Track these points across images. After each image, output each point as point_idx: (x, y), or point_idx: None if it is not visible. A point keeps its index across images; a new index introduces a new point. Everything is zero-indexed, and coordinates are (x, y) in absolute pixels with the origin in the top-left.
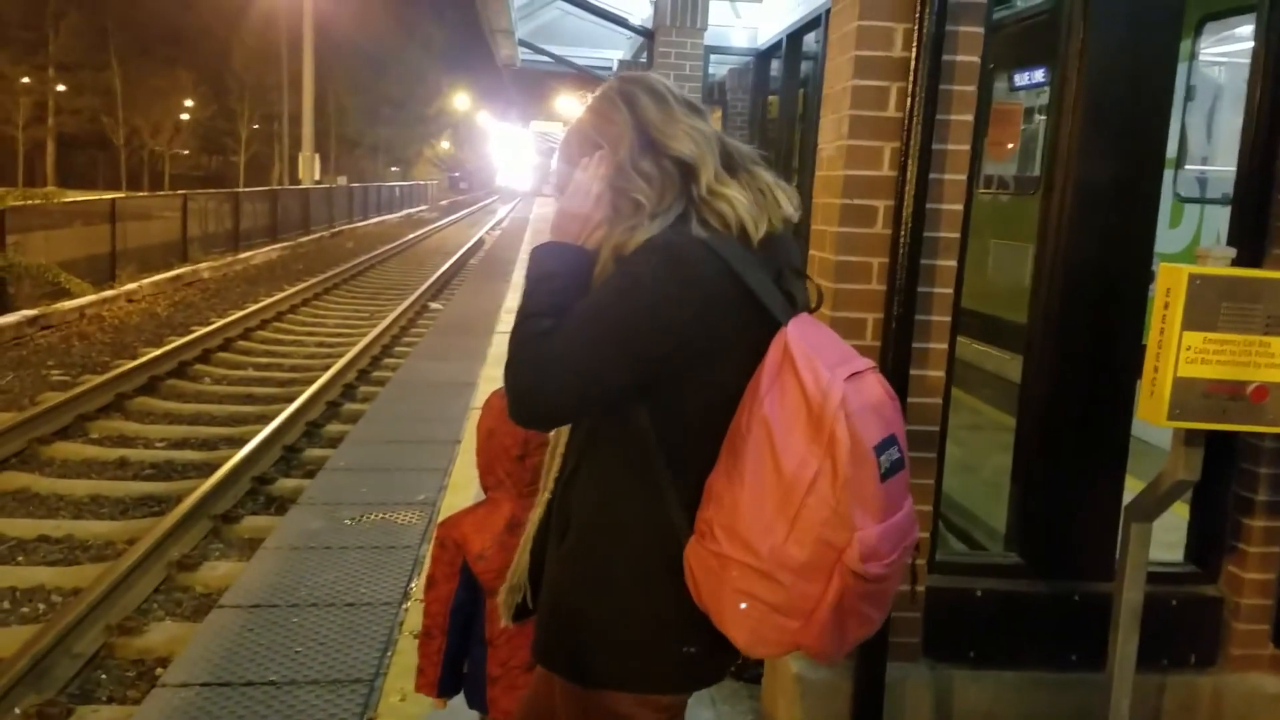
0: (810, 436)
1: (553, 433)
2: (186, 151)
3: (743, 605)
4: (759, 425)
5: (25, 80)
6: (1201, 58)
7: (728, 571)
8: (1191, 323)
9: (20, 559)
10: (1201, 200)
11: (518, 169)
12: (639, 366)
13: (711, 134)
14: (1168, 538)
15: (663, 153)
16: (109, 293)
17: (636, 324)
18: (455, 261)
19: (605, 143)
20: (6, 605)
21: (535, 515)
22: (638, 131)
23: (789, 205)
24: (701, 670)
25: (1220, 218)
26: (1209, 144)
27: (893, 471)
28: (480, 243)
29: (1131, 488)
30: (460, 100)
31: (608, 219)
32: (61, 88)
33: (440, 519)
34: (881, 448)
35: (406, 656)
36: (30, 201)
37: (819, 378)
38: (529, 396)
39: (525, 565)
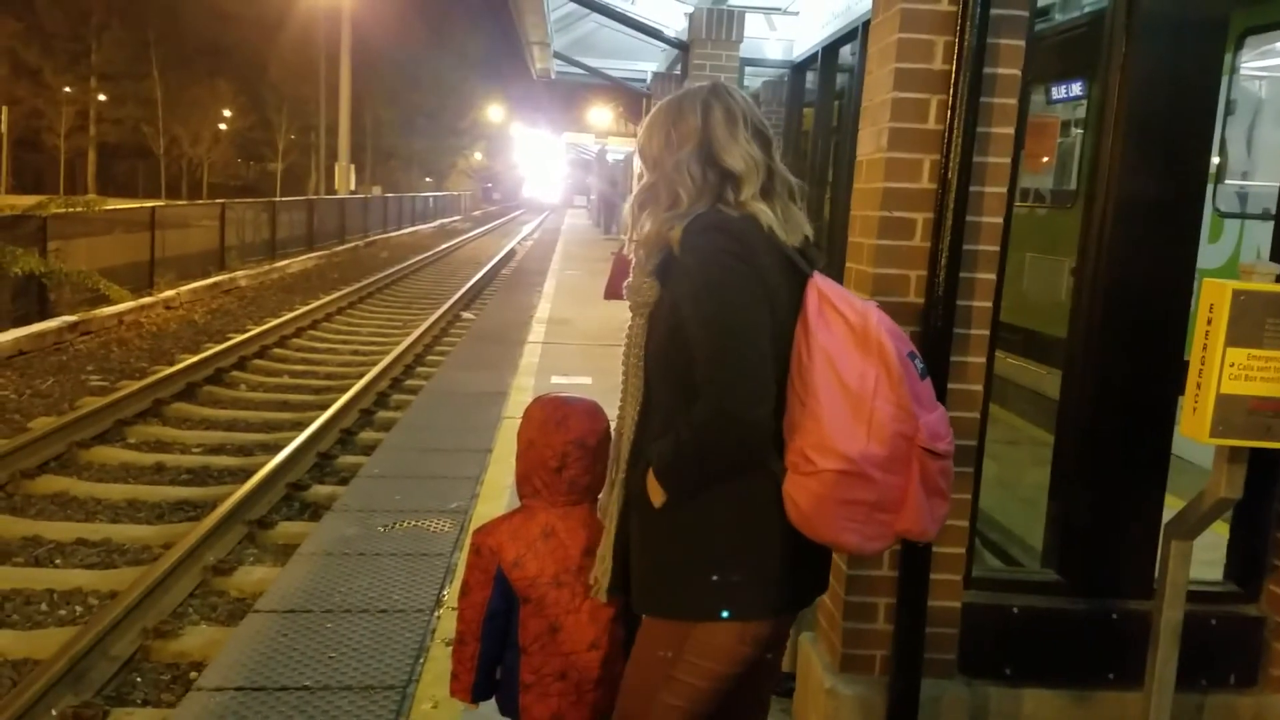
0: (862, 352)
1: (619, 429)
2: (225, 161)
3: (848, 512)
4: (819, 354)
5: (68, 90)
6: (1242, 71)
7: (828, 487)
8: (1235, 339)
9: (58, 561)
10: (1242, 215)
11: (546, 180)
12: (766, 325)
13: (762, 161)
14: (1207, 556)
15: (715, 163)
16: (148, 300)
17: (740, 300)
18: (487, 272)
19: (674, 135)
20: (45, 607)
21: (616, 495)
22: (701, 138)
23: (808, 227)
24: (793, 594)
25: (1261, 233)
26: (1249, 158)
27: (924, 375)
28: (512, 253)
29: (1170, 506)
30: (494, 112)
31: (651, 203)
32: (103, 97)
33: (472, 527)
34: (911, 356)
35: (438, 664)
36: (71, 209)
37: (854, 305)
38: (744, 440)
39: (612, 542)
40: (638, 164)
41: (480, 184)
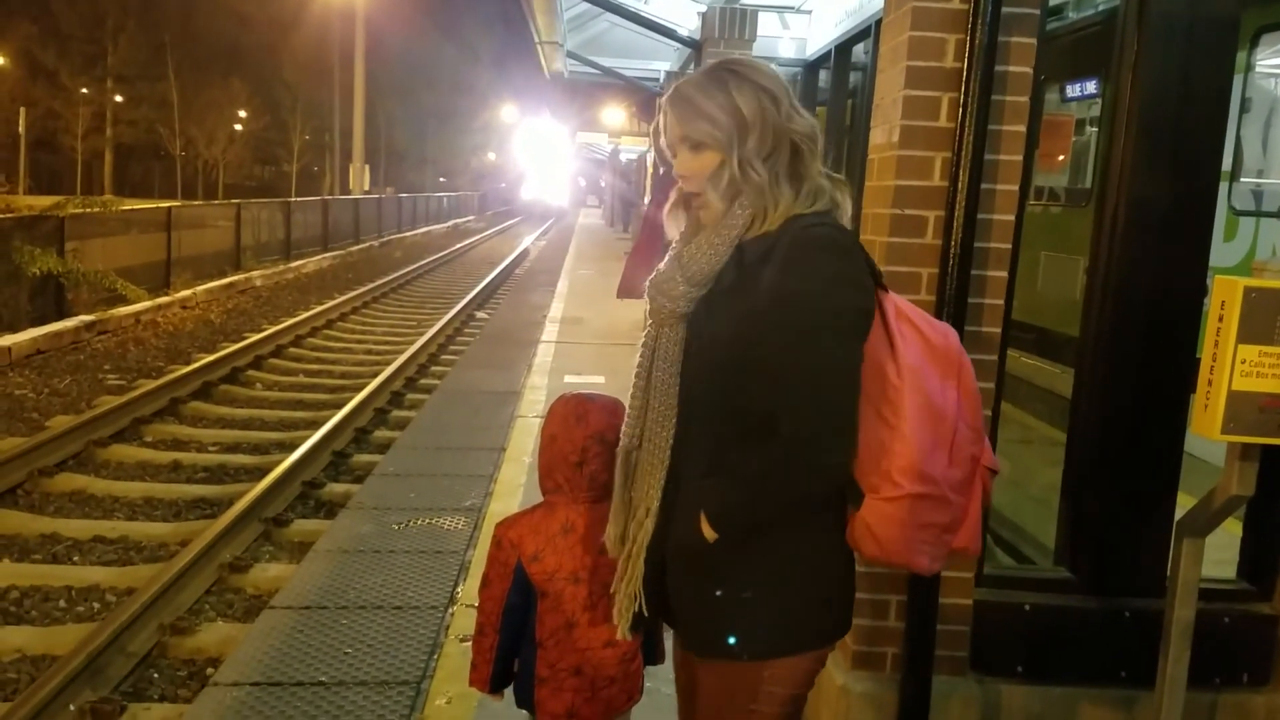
0: (943, 373)
1: (635, 450)
2: (240, 162)
3: (923, 535)
4: (908, 374)
5: (85, 91)
6: (1258, 69)
7: (909, 512)
8: (1247, 336)
9: (76, 559)
10: (1257, 213)
11: (553, 181)
12: (859, 355)
13: (817, 127)
14: (1221, 555)
15: (780, 136)
16: (164, 299)
17: (850, 342)
18: (501, 271)
19: (748, 116)
20: (63, 604)
21: (648, 525)
22: (764, 114)
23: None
24: (846, 624)
25: (1277, 231)
26: (1265, 156)
27: None
28: (525, 253)
29: (1183, 504)
30: (506, 112)
31: (711, 191)
32: (119, 99)
33: (486, 525)
34: None
35: (452, 660)
36: (88, 210)
37: (934, 324)
38: (827, 486)
39: (640, 574)
40: (652, 157)
41: (490, 184)
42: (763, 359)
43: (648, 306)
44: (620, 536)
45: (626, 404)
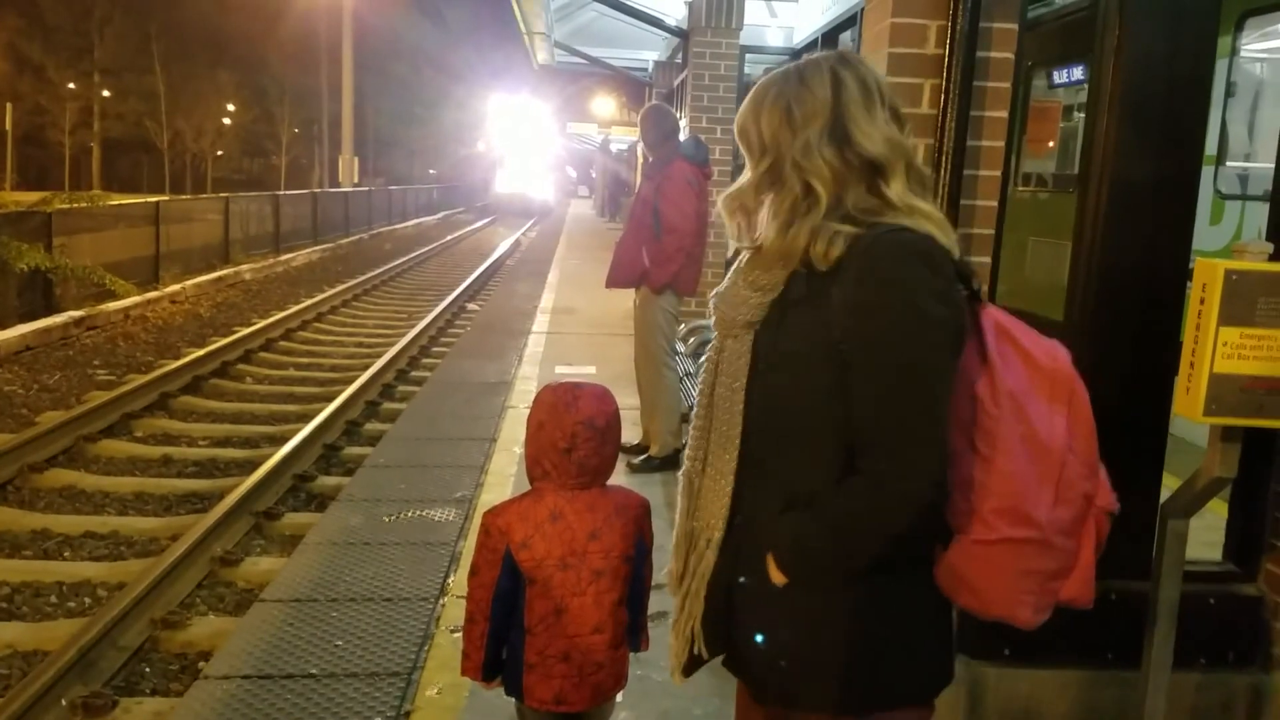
0: (1050, 397)
1: (699, 476)
2: (229, 155)
3: (1025, 584)
4: (1006, 400)
5: (71, 86)
6: (1243, 53)
7: (1006, 557)
8: (1228, 318)
9: (67, 554)
10: (1243, 197)
11: (535, 173)
12: (951, 376)
13: (905, 146)
14: (1209, 537)
15: (851, 146)
16: (153, 294)
17: (941, 359)
18: (492, 263)
19: (799, 112)
20: (54, 599)
21: (709, 558)
22: (834, 114)
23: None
24: (951, 667)
25: (1263, 214)
26: (1250, 140)
27: None
28: (517, 244)
29: (1168, 486)
30: (495, 102)
31: (771, 198)
32: (106, 93)
33: (477, 516)
34: None
35: (443, 651)
36: (76, 205)
37: (1040, 341)
38: (918, 524)
39: (700, 611)
40: (641, 149)
41: (462, 175)
42: (837, 378)
43: (713, 318)
44: (680, 574)
45: (622, 393)
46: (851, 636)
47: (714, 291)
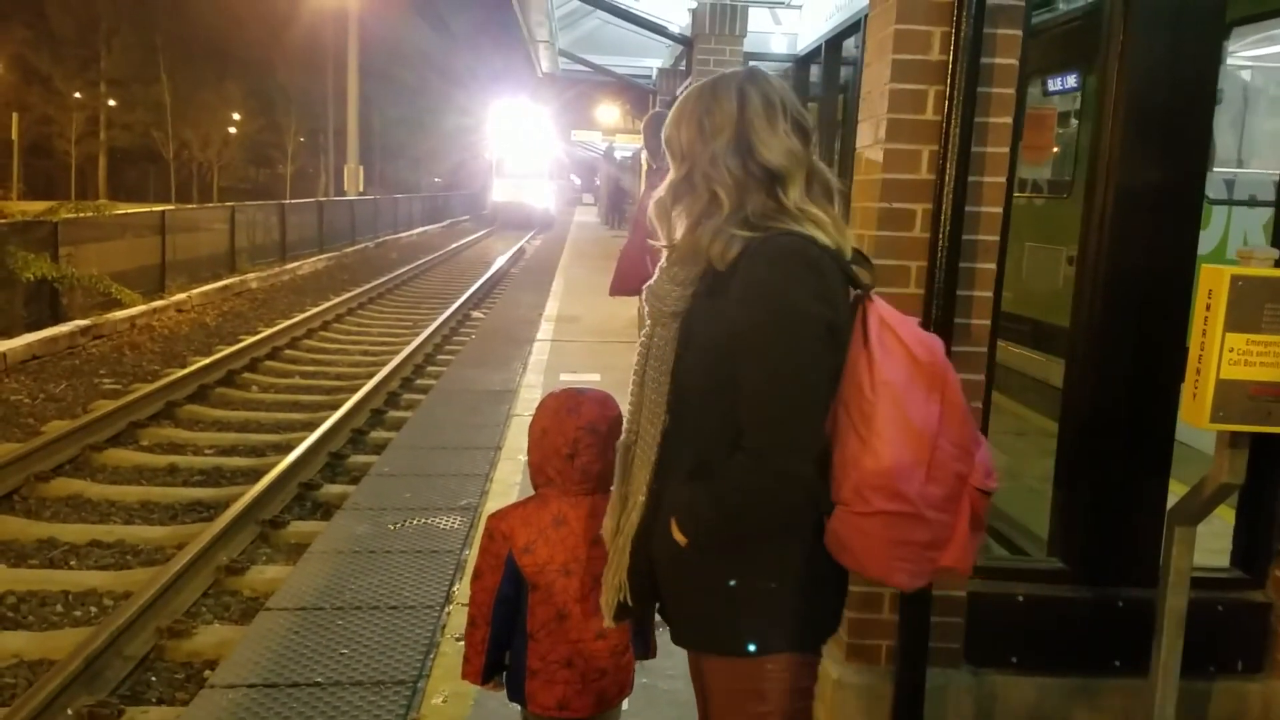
0: (927, 387)
1: (632, 445)
2: (235, 164)
3: (900, 552)
4: (883, 388)
5: (78, 96)
6: (1228, 62)
7: (881, 528)
8: (1234, 324)
9: (73, 563)
10: (1229, 202)
11: (534, 180)
12: (830, 370)
13: (804, 157)
14: (1216, 545)
15: (754, 157)
16: (159, 303)
17: (814, 349)
18: (497, 270)
19: (709, 124)
20: (60, 608)
21: (634, 518)
22: (739, 128)
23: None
24: (838, 620)
25: (1246, 219)
26: (1237, 147)
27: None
28: (521, 251)
29: (1175, 492)
30: (498, 109)
31: (685, 202)
32: (113, 103)
33: (482, 524)
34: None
35: (449, 659)
36: (82, 214)
37: (919, 335)
38: (792, 498)
39: (626, 565)
40: (645, 157)
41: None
42: (732, 366)
43: (644, 308)
44: (613, 531)
45: (625, 400)
46: (735, 592)
47: (646, 285)
